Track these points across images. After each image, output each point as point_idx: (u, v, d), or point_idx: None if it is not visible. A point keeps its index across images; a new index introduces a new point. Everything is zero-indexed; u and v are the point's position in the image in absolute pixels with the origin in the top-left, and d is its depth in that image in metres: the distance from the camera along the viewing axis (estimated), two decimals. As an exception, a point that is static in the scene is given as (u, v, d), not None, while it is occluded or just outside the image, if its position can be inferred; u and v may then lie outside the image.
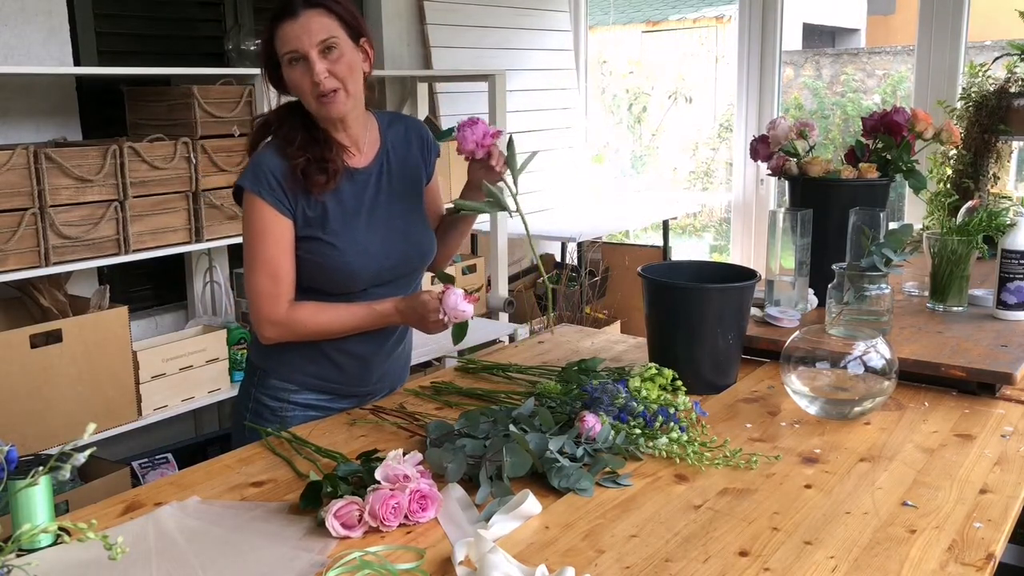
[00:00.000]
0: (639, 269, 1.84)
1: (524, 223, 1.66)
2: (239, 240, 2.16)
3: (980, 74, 3.48)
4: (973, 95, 3.45)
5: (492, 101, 3.61)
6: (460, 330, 1.70)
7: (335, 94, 1.66)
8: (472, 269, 3.87)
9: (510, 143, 1.69)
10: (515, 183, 1.68)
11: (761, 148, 2.30)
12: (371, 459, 1.38)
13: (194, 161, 2.78)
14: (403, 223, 1.80)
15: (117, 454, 2.86)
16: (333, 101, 1.66)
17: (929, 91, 3.87)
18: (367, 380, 1.85)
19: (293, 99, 1.73)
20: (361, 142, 1.77)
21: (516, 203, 1.64)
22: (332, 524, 1.23)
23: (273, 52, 1.66)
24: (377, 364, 1.85)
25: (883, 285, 1.93)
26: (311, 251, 1.72)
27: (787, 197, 2.26)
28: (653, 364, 1.68)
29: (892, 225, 2.03)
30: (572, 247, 4.58)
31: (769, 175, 2.32)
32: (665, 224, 4.82)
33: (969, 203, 2.84)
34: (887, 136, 2.20)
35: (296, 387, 1.81)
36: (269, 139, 1.74)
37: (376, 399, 1.89)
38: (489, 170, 1.71)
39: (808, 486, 1.39)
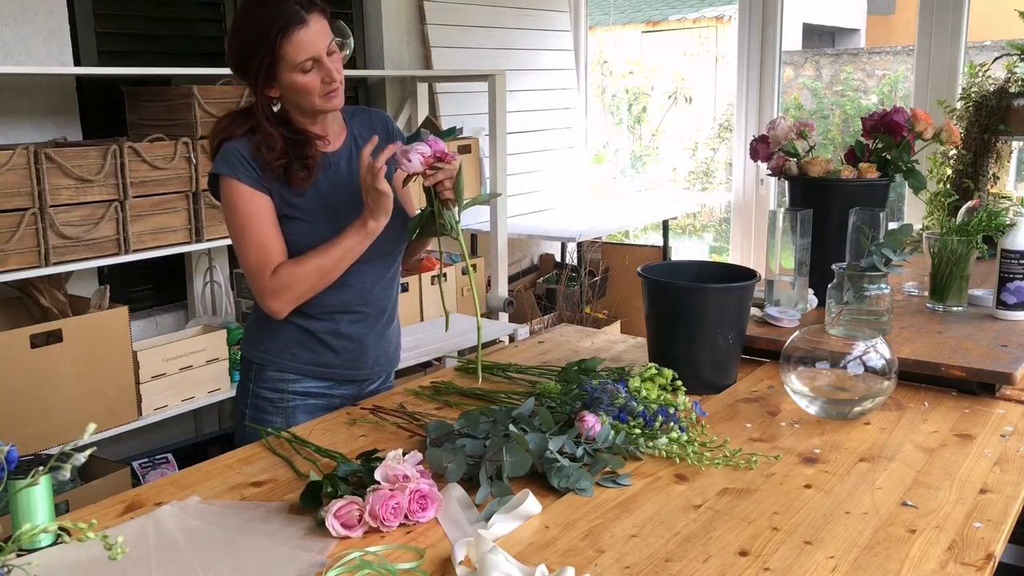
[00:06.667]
0: (639, 269, 1.84)
1: (462, 247, 1.73)
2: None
3: (980, 74, 3.48)
4: (973, 95, 3.45)
5: (492, 101, 3.61)
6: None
7: (337, 90, 1.72)
8: (472, 269, 3.87)
9: (459, 173, 1.71)
10: (459, 210, 1.73)
11: (761, 148, 2.30)
12: (371, 459, 1.38)
13: (194, 161, 2.78)
14: None
15: (117, 454, 2.86)
16: (337, 96, 1.73)
17: (929, 91, 3.87)
18: (363, 363, 1.88)
19: (251, 104, 1.76)
20: (331, 131, 1.82)
21: (458, 230, 1.72)
22: (332, 524, 1.23)
23: (275, 61, 1.66)
24: (371, 345, 1.88)
25: (883, 285, 1.93)
26: (291, 232, 1.76)
27: (787, 197, 2.26)
28: (653, 364, 1.68)
29: (892, 225, 2.03)
30: (572, 247, 4.58)
31: (769, 175, 2.32)
32: (665, 224, 4.82)
33: (969, 203, 2.84)
34: (887, 136, 2.20)
35: (295, 376, 1.83)
36: (240, 136, 1.75)
37: (373, 385, 1.92)
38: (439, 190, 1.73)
39: (808, 486, 1.39)
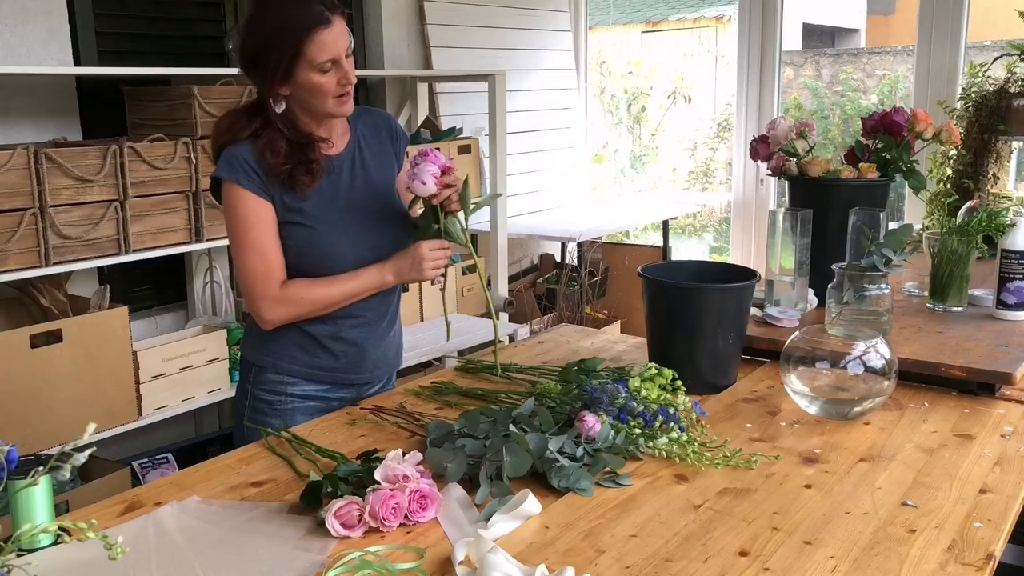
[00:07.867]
0: (639, 269, 1.84)
1: (474, 256, 1.77)
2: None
3: (980, 74, 3.47)
4: (973, 95, 3.45)
5: (492, 101, 3.61)
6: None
7: (349, 95, 1.73)
8: (472, 269, 3.88)
9: (465, 182, 1.73)
10: (466, 219, 1.76)
11: (761, 148, 2.30)
12: (371, 459, 1.38)
13: (194, 161, 2.78)
14: (381, 205, 1.84)
15: (117, 454, 2.86)
16: (349, 100, 1.74)
17: (929, 91, 3.87)
18: (363, 367, 1.87)
19: (253, 104, 1.76)
20: (335, 133, 1.82)
21: (466, 237, 1.78)
22: (332, 524, 1.23)
23: (295, 59, 1.66)
24: (371, 349, 1.87)
25: (883, 285, 1.93)
26: (294, 237, 1.75)
27: (787, 197, 2.26)
28: (653, 364, 1.68)
29: (892, 225, 2.03)
30: (572, 247, 4.58)
31: (769, 175, 2.32)
32: (665, 224, 4.82)
33: (969, 203, 2.84)
34: (887, 136, 2.20)
35: (293, 379, 1.82)
36: (243, 140, 1.75)
37: (373, 389, 1.92)
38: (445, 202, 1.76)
39: (808, 486, 1.39)
